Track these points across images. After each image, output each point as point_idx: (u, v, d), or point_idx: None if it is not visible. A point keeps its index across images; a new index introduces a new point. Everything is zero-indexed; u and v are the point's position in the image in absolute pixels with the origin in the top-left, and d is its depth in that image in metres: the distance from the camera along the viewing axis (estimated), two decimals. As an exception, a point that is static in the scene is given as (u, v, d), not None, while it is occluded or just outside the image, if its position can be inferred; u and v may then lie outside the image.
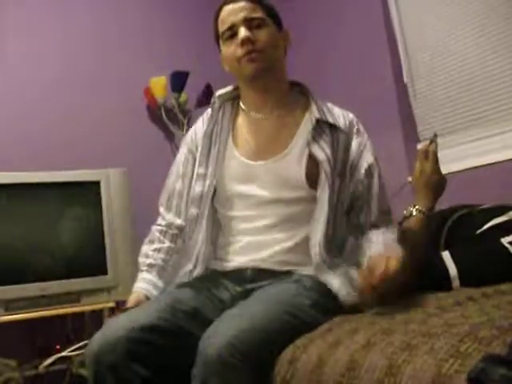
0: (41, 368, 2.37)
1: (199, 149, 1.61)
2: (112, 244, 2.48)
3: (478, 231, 1.61)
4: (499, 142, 2.45)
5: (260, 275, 1.47)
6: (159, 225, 1.70)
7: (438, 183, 1.64)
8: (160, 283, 1.60)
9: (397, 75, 2.85)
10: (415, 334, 1.05)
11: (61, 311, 2.37)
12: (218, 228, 1.57)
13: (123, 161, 2.75)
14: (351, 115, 1.64)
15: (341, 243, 1.52)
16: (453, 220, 1.69)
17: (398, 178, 2.72)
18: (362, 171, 1.54)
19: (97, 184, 2.52)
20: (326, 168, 1.47)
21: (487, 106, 2.51)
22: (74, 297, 2.40)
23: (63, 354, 2.40)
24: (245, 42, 1.48)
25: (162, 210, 1.70)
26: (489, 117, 2.51)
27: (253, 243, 1.51)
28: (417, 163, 1.67)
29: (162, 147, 3.20)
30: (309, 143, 1.50)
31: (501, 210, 1.66)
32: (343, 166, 1.52)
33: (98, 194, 2.51)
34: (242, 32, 1.48)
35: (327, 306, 1.39)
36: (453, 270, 1.49)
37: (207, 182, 1.55)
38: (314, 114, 1.54)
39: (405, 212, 1.64)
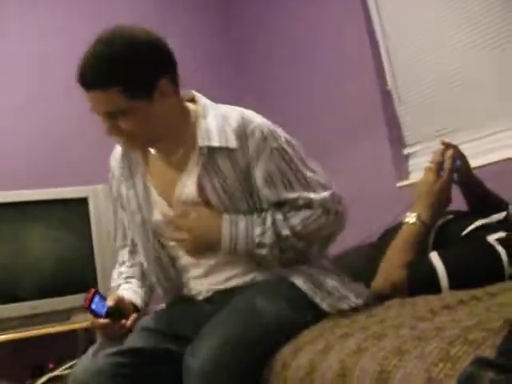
0: (34, 388, 2.35)
1: (122, 187, 1.52)
2: (101, 260, 2.48)
3: (464, 232, 1.62)
4: (487, 144, 2.46)
5: (227, 293, 1.42)
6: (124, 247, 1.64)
7: (444, 202, 1.65)
8: (141, 292, 1.54)
9: (381, 81, 2.86)
10: (406, 339, 1.04)
11: (52, 330, 2.35)
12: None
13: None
14: (250, 124, 1.39)
15: None
16: (438, 226, 1.69)
17: (386, 184, 2.73)
18: (262, 182, 1.38)
19: (85, 200, 2.51)
20: (222, 211, 1.39)
21: (474, 108, 2.52)
22: (64, 315, 2.38)
23: (56, 372, 2.38)
24: (110, 134, 1.34)
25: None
26: (475, 119, 2.52)
27: (201, 272, 1.47)
28: (430, 174, 1.66)
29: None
30: (199, 181, 1.38)
31: (483, 213, 1.67)
32: (250, 184, 1.39)
33: (87, 210, 2.50)
34: (104, 126, 1.32)
35: (299, 304, 1.36)
36: (440, 267, 1.49)
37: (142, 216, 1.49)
38: (197, 142, 1.37)
39: (407, 217, 1.63)
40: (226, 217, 1.37)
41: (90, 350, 1.34)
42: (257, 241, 1.35)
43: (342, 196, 1.47)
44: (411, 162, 2.82)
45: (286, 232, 1.36)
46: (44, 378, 2.38)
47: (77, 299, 2.37)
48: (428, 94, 2.70)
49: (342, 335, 1.19)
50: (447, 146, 1.70)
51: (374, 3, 2.91)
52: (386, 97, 2.85)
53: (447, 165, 1.66)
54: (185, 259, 1.49)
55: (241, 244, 1.36)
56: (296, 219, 1.37)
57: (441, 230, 1.69)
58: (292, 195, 1.38)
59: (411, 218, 1.62)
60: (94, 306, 1.36)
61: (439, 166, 1.67)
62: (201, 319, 1.37)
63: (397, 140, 2.82)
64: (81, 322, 2.40)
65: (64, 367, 2.39)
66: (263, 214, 1.38)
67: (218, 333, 1.21)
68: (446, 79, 2.61)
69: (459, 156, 1.70)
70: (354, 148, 2.92)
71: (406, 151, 2.82)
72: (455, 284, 1.46)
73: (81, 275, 2.45)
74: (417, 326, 1.12)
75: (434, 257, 1.52)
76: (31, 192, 2.47)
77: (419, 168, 2.62)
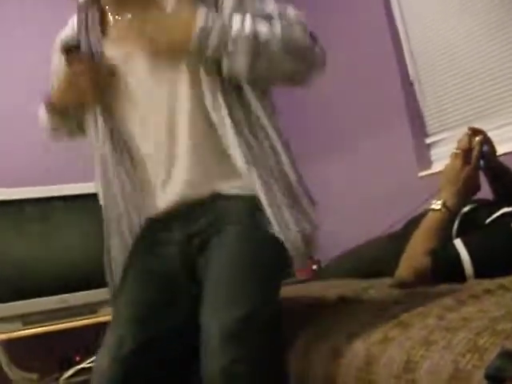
0: (62, 380, 2.38)
1: None
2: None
3: (488, 220, 1.60)
4: (510, 132, 2.43)
5: (190, 212, 1.32)
6: None
7: (472, 188, 1.63)
8: None
9: (402, 71, 2.85)
10: (433, 329, 1.04)
11: (79, 323, 2.38)
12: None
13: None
14: None
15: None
16: (463, 213, 1.67)
17: (408, 173, 2.72)
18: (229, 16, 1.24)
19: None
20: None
21: (497, 96, 2.50)
22: (91, 308, 2.41)
23: (83, 365, 2.41)
24: None
25: None
26: (499, 107, 2.50)
27: (160, 167, 1.34)
28: (456, 160, 1.64)
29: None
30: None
31: (509, 201, 1.65)
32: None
33: (110, 204, 2.52)
34: None
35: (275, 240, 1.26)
36: (464, 254, 1.47)
37: None
38: None
39: (432, 204, 1.61)
40: (201, 9, 1.22)
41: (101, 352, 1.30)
42: (233, 34, 1.19)
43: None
44: (433, 152, 2.79)
45: (265, 33, 1.20)
46: (71, 371, 2.42)
47: (103, 293, 2.39)
48: (450, 83, 2.67)
49: (366, 322, 1.19)
50: (474, 131, 1.67)
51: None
52: (408, 87, 2.83)
53: (475, 151, 1.62)
54: (142, 152, 1.36)
55: (213, 36, 1.18)
56: (276, 25, 1.23)
57: (465, 218, 1.67)
58: (267, 10, 1.26)
59: (436, 204, 1.60)
60: None
61: (466, 152, 1.64)
62: (176, 260, 1.32)
63: (419, 129, 2.81)
64: (108, 315, 2.42)
65: (91, 360, 2.42)
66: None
67: (224, 319, 1.11)
68: (468, 67, 2.59)
69: (487, 142, 1.67)
70: (376, 138, 2.91)
71: (429, 140, 2.80)
72: (480, 271, 1.45)
73: (106, 269, 2.48)
74: (444, 315, 1.12)
75: (458, 243, 1.51)
76: (56, 187, 2.50)
77: (441, 157, 2.60)
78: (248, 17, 1.22)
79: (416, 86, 2.82)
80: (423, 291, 1.41)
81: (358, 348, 1.09)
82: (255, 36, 1.19)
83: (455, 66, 2.64)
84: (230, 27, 1.19)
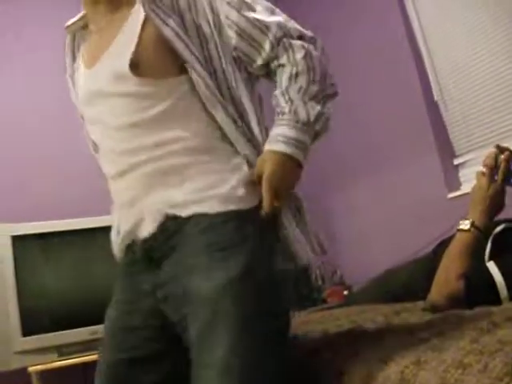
0: (96, 411, 2.39)
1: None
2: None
3: None
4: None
5: (149, 250, 1.27)
6: None
7: (498, 207, 1.61)
8: None
9: (426, 93, 2.85)
10: (467, 352, 1.02)
11: (113, 353, 2.39)
12: None
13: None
14: None
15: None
16: (496, 233, 1.65)
17: (437, 195, 2.70)
18: (228, 30, 1.24)
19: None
20: (178, 45, 1.19)
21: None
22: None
23: (116, 396, 2.41)
24: None
25: None
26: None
27: (123, 195, 1.33)
28: (483, 179, 1.62)
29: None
30: (146, 19, 1.21)
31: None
32: (199, 30, 1.23)
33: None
34: None
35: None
36: (499, 277, 1.45)
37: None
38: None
39: (461, 224, 1.60)
40: (278, 143, 1.17)
41: None
42: (307, 119, 1.20)
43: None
44: (462, 173, 2.77)
45: (314, 88, 1.25)
46: (106, 401, 2.42)
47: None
48: (475, 103, 2.66)
49: (400, 345, 1.17)
50: (501, 149, 1.66)
51: (415, 15, 2.91)
52: (433, 108, 2.83)
53: (502, 167, 1.61)
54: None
55: (305, 137, 1.19)
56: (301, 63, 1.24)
57: (497, 240, 1.65)
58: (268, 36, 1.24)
59: (465, 225, 1.58)
60: None
61: (492, 170, 1.62)
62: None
63: (446, 150, 2.79)
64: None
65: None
66: (279, 94, 1.22)
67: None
68: (494, 86, 2.57)
69: None
70: (403, 160, 2.90)
71: (457, 161, 2.78)
72: None
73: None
74: (478, 338, 1.10)
75: (492, 266, 1.49)
76: (88, 220, 2.53)
77: (470, 178, 2.58)
78: (297, 96, 1.21)
79: (441, 106, 2.82)
80: (456, 314, 1.39)
81: (391, 372, 1.08)
82: (314, 97, 1.24)
83: (480, 84, 2.63)
84: (302, 118, 1.19)
